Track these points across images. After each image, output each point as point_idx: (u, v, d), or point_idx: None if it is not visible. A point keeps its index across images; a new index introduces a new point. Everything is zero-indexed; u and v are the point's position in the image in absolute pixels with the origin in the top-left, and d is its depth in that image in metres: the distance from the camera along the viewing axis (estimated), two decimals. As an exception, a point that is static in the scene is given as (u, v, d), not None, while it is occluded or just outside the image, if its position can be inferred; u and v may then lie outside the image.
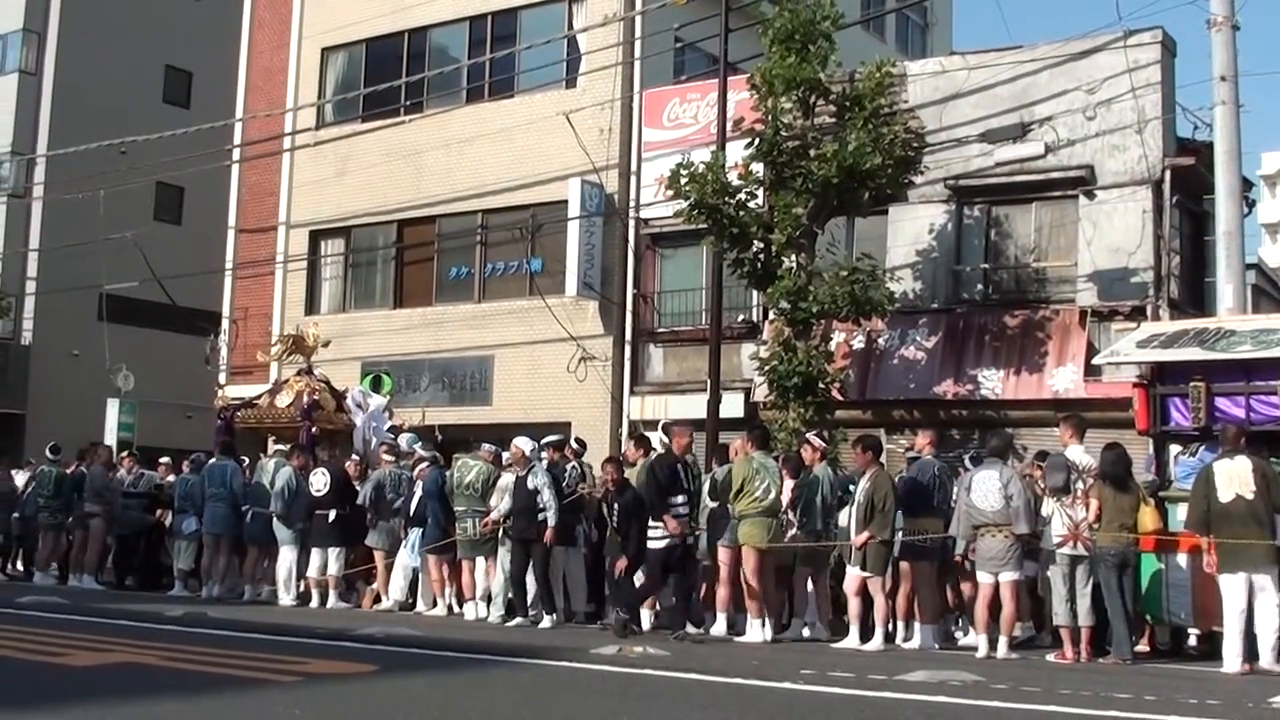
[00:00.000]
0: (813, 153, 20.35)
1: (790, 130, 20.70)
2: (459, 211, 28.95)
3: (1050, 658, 13.61)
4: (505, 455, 17.19)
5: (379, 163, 29.93)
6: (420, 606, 18.10)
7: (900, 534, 14.68)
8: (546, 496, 16.07)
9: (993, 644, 13.57)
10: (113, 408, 33.85)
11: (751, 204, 20.82)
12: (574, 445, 17.92)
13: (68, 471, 22.46)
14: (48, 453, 22.65)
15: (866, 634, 14.43)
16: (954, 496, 14.54)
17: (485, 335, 27.90)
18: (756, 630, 14.81)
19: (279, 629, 14.31)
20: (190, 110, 41.78)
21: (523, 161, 27.65)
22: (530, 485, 16.20)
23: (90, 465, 22.00)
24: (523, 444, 16.61)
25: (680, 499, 14.90)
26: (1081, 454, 13.96)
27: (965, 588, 14.92)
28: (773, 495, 14.80)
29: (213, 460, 20.65)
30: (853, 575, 14.54)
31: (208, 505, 19.92)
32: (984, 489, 13.77)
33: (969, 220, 23.22)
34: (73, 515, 21.65)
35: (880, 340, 22.98)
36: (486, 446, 17.82)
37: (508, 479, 16.71)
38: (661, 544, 14.80)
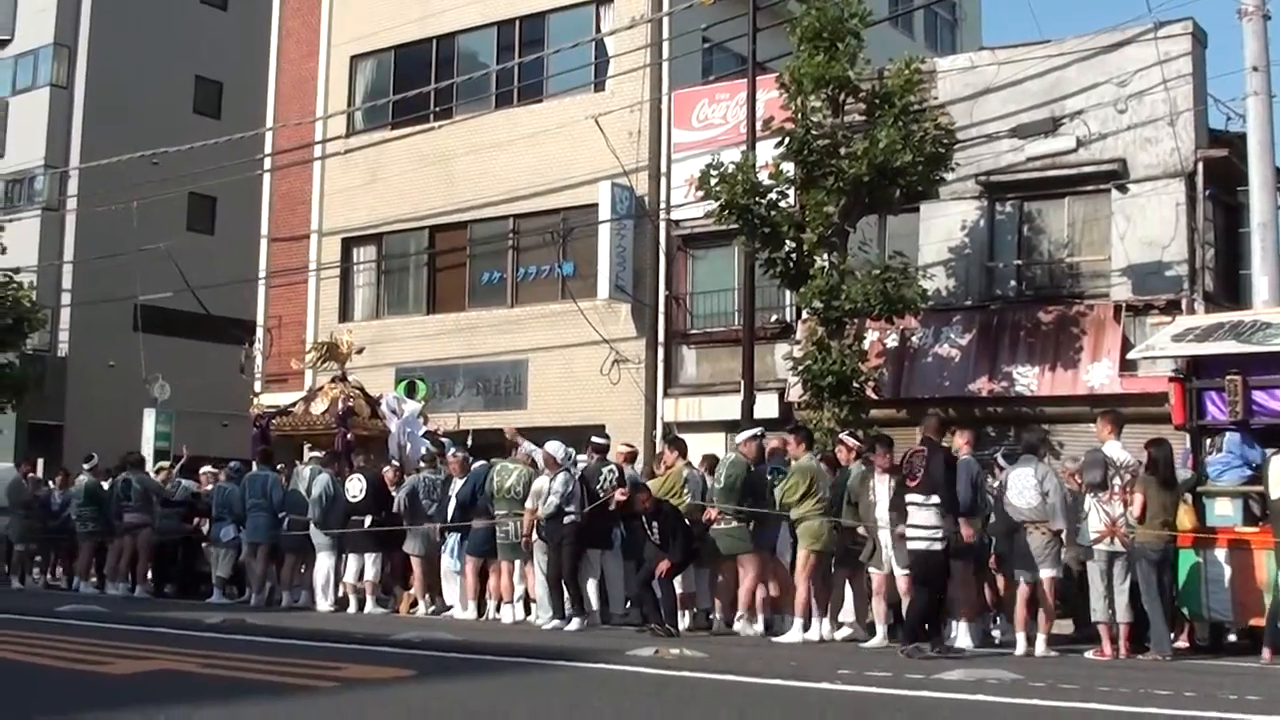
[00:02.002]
0: (843, 151, 20.30)
1: (820, 129, 20.66)
2: (490, 216, 29.01)
3: (1089, 655, 13.56)
4: (537, 456, 17.23)
5: (409, 169, 30.02)
6: (455, 610, 18.15)
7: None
8: (552, 499, 16.18)
9: (1030, 641, 13.54)
10: (149, 417, 34.07)
11: (783, 203, 20.82)
12: (597, 440, 17.82)
13: (102, 483, 22.62)
14: (83, 463, 22.83)
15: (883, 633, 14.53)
16: (990, 494, 14.51)
17: (519, 339, 27.96)
18: (798, 631, 14.83)
19: (316, 634, 14.33)
20: (221, 120, 42.02)
21: (553, 165, 27.71)
22: (538, 487, 16.41)
23: (129, 473, 22.00)
24: (553, 449, 16.65)
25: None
26: (1119, 450, 13.90)
27: (1001, 585, 14.89)
28: (828, 496, 14.91)
29: (253, 470, 20.75)
30: (879, 574, 14.47)
31: (250, 515, 20.05)
32: (1020, 486, 13.75)
33: (1001, 216, 23.14)
34: (116, 523, 21.71)
35: (914, 338, 22.92)
36: (524, 448, 17.82)
37: (542, 481, 16.72)
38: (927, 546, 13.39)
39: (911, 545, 13.29)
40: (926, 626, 13.17)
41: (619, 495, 16.19)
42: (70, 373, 41.45)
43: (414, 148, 30.08)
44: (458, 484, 18.19)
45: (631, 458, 18.07)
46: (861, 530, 14.58)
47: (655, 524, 15.64)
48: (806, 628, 15.00)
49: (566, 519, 16.16)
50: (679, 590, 16.16)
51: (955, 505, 13.21)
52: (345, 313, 31.25)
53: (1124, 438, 14.21)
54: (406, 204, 30.03)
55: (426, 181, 29.80)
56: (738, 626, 15.36)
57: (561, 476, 16.30)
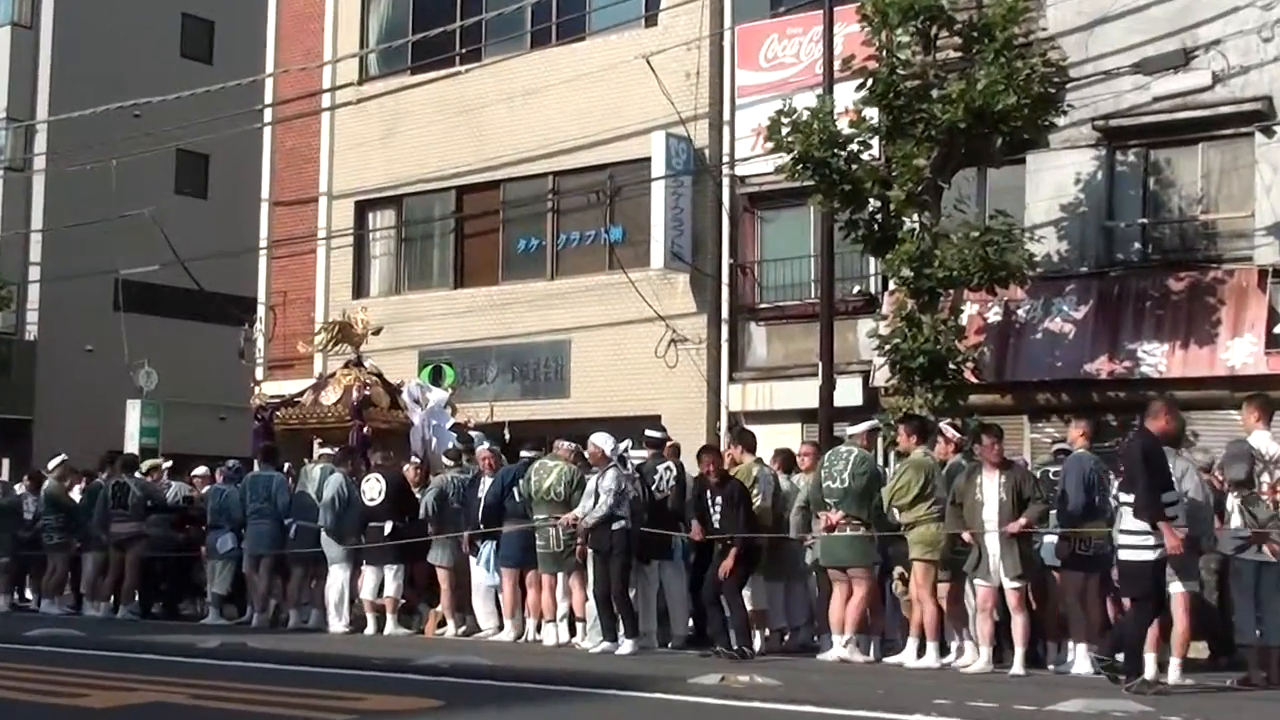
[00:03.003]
0: (935, 94, 20.18)
1: (909, 68, 20.54)
2: (526, 175, 29.00)
3: (1232, 683, 13.44)
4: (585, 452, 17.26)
5: (433, 121, 30.05)
6: (489, 631, 18.19)
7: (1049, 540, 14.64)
8: (606, 487, 16.19)
9: (1162, 667, 13.43)
10: (134, 410, 34.33)
11: (865, 155, 20.72)
12: (651, 433, 17.79)
13: (77, 486, 22.80)
14: (47, 465, 23.08)
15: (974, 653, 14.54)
16: (1112, 494, 14.42)
17: (560, 317, 27.97)
18: (911, 653, 14.86)
19: (329, 660, 14.42)
20: (213, 66, 42.25)
21: (598, 114, 27.67)
22: (591, 486, 16.42)
23: (125, 476, 22.06)
24: (601, 442, 16.62)
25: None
26: (1267, 440, 13.73)
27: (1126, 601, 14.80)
28: (944, 498, 14.88)
29: (255, 470, 20.84)
30: (985, 587, 14.42)
31: (250, 522, 20.14)
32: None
33: (1122, 167, 22.95)
34: (103, 535, 21.80)
35: (1020, 311, 22.79)
36: (565, 444, 17.85)
37: (593, 482, 16.71)
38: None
39: (1122, 555, 13.07)
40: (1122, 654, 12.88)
41: (694, 535, 16.15)
42: (41, 359, 41.69)
43: (437, 96, 30.10)
44: (489, 483, 18.26)
45: (676, 451, 18.00)
46: (966, 536, 14.51)
47: (719, 500, 15.64)
48: (921, 651, 15.00)
49: (616, 525, 16.15)
50: (751, 606, 16.14)
51: (1149, 504, 12.77)
52: (360, 287, 31.33)
53: (1274, 426, 14.06)
54: (429, 161, 30.06)
55: (452, 135, 29.81)
56: (842, 651, 15.24)
57: (611, 473, 16.30)
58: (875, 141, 20.97)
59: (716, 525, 15.73)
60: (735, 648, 15.30)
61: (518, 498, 17.77)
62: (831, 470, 15.51)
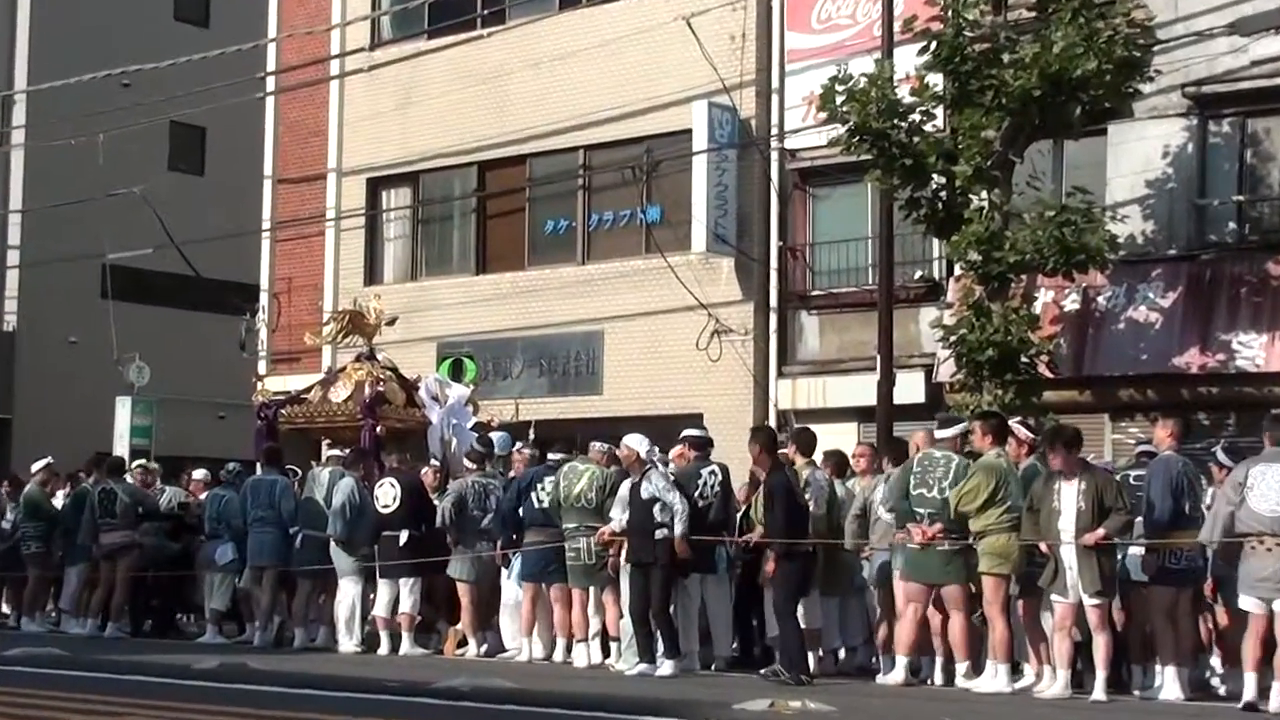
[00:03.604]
0: (1007, 58, 20.14)
1: (977, 29, 20.52)
2: (554, 149, 29.02)
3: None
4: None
5: (452, 89, 30.08)
6: (512, 650, 18.23)
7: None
8: (671, 499, 16.07)
9: (1264, 693, 13.37)
10: (123, 408, 34.35)
11: (928, 127, 20.69)
12: (692, 434, 17.73)
13: (58, 491, 22.88)
14: (32, 467, 23.18)
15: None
16: (1206, 501, 14.38)
17: (592, 305, 27.99)
18: (990, 677, 14.82)
19: (339, 682, 14.44)
20: (210, 30, 42.25)
21: (633, 82, 27.69)
22: (646, 493, 16.20)
23: (112, 480, 22.10)
24: (635, 443, 16.60)
25: None
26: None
27: (1222, 618, 14.78)
28: (1020, 505, 14.78)
29: (257, 473, 20.88)
30: (1062, 603, 14.37)
31: (251, 531, 20.14)
32: (1266, 488, 13.55)
33: (1216, 139, 22.85)
34: (93, 546, 21.85)
35: (1100, 299, 22.73)
36: (597, 446, 17.85)
37: (627, 487, 16.69)
38: None
39: None
40: None
41: (746, 540, 16.17)
42: (20, 352, 41.73)
43: (457, 62, 30.14)
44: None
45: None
46: (1044, 547, 14.46)
47: (774, 497, 15.66)
48: (1014, 672, 14.98)
49: (658, 534, 16.14)
50: (803, 625, 16.11)
51: None
52: (372, 273, 31.43)
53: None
54: (448, 134, 30.08)
55: (474, 105, 29.84)
56: (968, 681, 15.12)
57: (656, 475, 16.28)
58: (939, 111, 20.95)
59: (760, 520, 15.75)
60: (790, 673, 15.25)
61: (536, 505, 17.82)
62: (927, 478, 15.31)
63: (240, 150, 37.18)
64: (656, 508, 16.13)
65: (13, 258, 41.46)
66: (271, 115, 33.56)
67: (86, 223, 34.73)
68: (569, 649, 17.64)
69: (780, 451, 16.62)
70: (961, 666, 15.18)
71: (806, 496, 16.26)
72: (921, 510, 15.25)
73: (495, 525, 18.43)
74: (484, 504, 18.63)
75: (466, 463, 19.47)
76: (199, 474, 23.14)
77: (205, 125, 41.37)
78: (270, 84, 33.28)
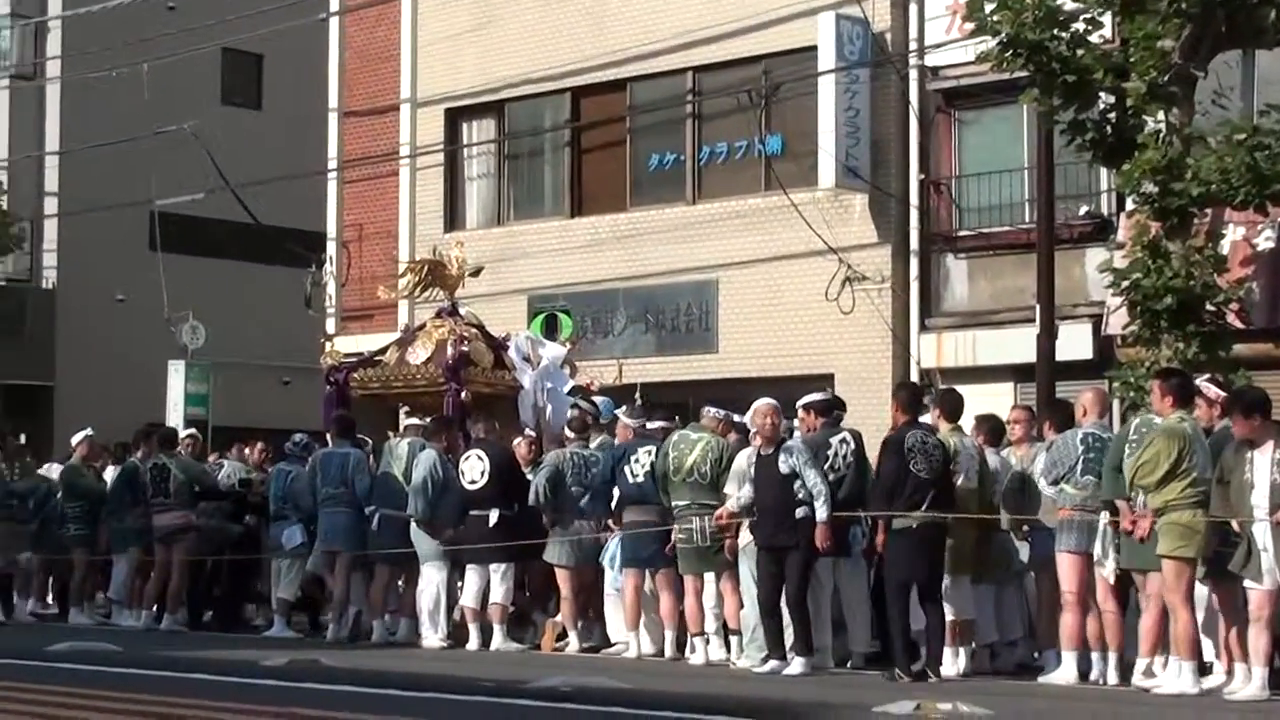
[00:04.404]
0: (1186, -47, 19.87)
1: (1151, -78, 20.24)
2: (659, 71, 29.03)
3: None
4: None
5: (541, 5, 30.11)
6: (619, 644, 18.26)
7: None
8: (813, 480, 15.98)
9: None
10: (176, 373, 34.71)
11: (1095, 37, 20.41)
12: (815, 399, 17.60)
13: (99, 466, 23.13)
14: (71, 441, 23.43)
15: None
16: None
17: (704, 251, 27.97)
18: (1174, 676, 14.59)
19: (423, 682, 14.49)
20: (267, -57, 42.48)
21: (749, -8, 27.61)
22: (784, 468, 16.11)
23: (164, 455, 22.24)
24: (765, 409, 16.55)
25: None
26: None
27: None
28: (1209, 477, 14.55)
29: (328, 446, 20.97)
30: (1257, 590, 14.18)
31: (321, 511, 20.25)
32: None
33: None
34: (144, 527, 22.05)
35: (1298, 236, 22.48)
36: (712, 411, 17.80)
37: (745, 460, 16.65)
38: None
39: None
40: None
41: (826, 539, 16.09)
42: (61, 311, 42.14)
43: (546, -27, 30.18)
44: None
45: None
46: (1236, 525, 14.26)
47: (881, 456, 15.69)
48: (1203, 672, 14.80)
49: (799, 512, 16.06)
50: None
51: None
52: (453, 218, 31.56)
53: None
54: (537, 56, 30.13)
55: (565, 23, 29.92)
56: (1146, 681, 14.98)
57: (798, 450, 16.19)
58: (1107, 19, 20.72)
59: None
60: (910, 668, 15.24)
61: (630, 479, 17.85)
62: (1144, 448, 15.08)
63: (302, 80, 37.39)
64: (796, 483, 16.06)
65: (50, 205, 41.78)
66: (336, 39, 33.73)
67: (131, 165, 35.02)
68: (680, 644, 17.63)
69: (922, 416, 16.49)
70: (1142, 663, 15.02)
71: (953, 467, 16.11)
72: (1144, 482, 14.94)
73: (592, 504, 18.48)
74: (584, 479, 18.63)
75: (568, 431, 19.47)
76: (261, 447, 23.28)
77: (262, 52, 41.68)
78: (334, 3, 33.38)
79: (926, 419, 16.80)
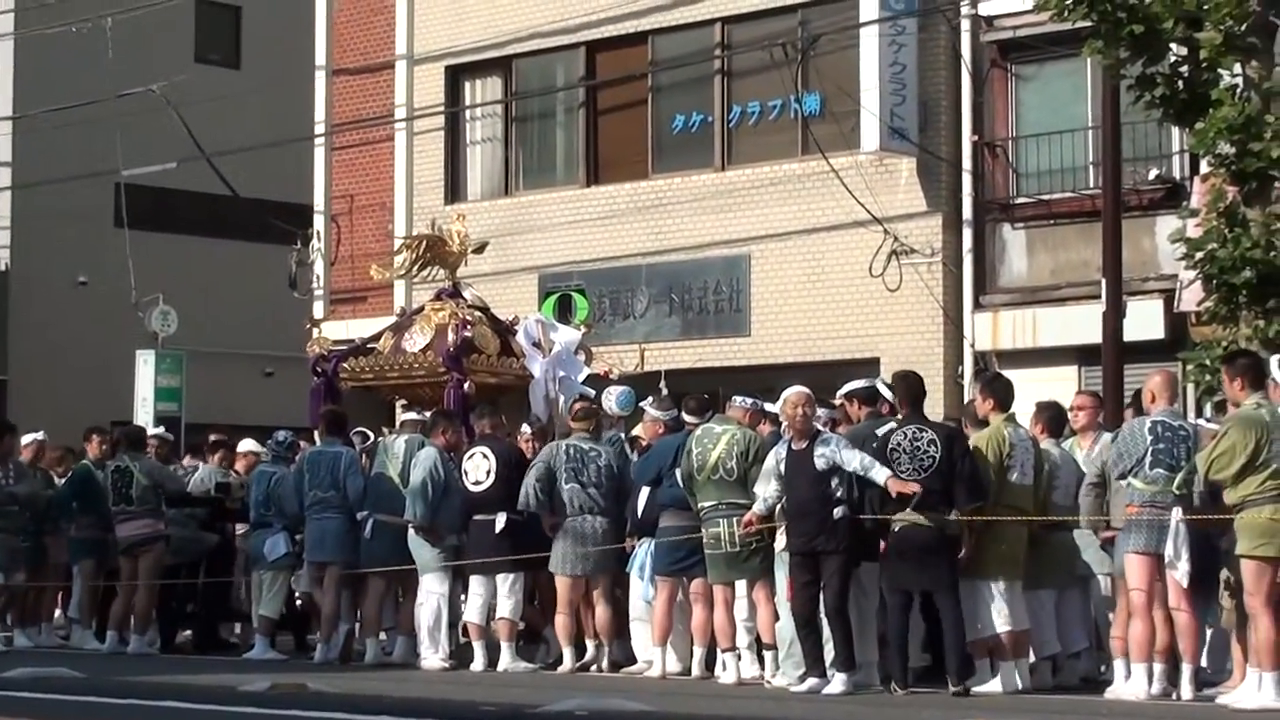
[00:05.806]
0: (1266, -112, 19.98)
1: None
2: (683, 23, 29.12)
3: None
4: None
5: (550, -50, 30.25)
6: (647, 663, 18.31)
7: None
8: (850, 459, 15.94)
9: None
10: (145, 364, 34.73)
11: (1164, -17, 20.56)
12: (856, 387, 17.70)
13: (62, 471, 23.24)
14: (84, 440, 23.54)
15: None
16: None
17: (735, 223, 28.09)
18: (1253, 689, 14.69)
19: (423, 707, 14.59)
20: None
21: (782, -67, 27.74)
22: (820, 463, 16.20)
23: (128, 457, 22.35)
24: (797, 398, 16.71)
25: None
26: None
27: None
28: None
29: (315, 444, 21.11)
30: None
31: (309, 517, 20.35)
32: None
33: None
34: (109, 537, 22.18)
35: (1393, 201, 22.53)
36: (739, 400, 17.89)
37: (774, 458, 16.78)
38: None
39: None
40: None
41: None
42: (15, 296, 41.95)
43: (555, -86, 30.33)
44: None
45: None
46: None
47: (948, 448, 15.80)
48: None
49: (836, 512, 16.19)
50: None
51: None
52: (455, 188, 31.68)
53: None
54: (548, 7, 30.21)
55: (577, -31, 30.00)
56: (1225, 696, 15.16)
57: (838, 441, 16.26)
58: (1179, -37, 20.80)
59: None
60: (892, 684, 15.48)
61: (669, 484, 17.83)
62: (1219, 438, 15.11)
63: (285, 35, 37.46)
64: (834, 480, 16.17)
65: (3, 177, 41.60)
66: (324, -11, 33.83)
67: (94, 132, 35.09)
68: (709, 661, 17.64)
69: (967, 403, 16.60)
70: (1140, 668, 15.17)
71: (1011, 462, 16.20)
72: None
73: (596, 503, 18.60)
74: (582, 475, 18.60)
75: (570, 422, 19.55)
76: (245, 445, 23.35)
77: (240, 3, 41.67)
78: (321, -51, 33.52)
79: (981, 409, 16.98)
